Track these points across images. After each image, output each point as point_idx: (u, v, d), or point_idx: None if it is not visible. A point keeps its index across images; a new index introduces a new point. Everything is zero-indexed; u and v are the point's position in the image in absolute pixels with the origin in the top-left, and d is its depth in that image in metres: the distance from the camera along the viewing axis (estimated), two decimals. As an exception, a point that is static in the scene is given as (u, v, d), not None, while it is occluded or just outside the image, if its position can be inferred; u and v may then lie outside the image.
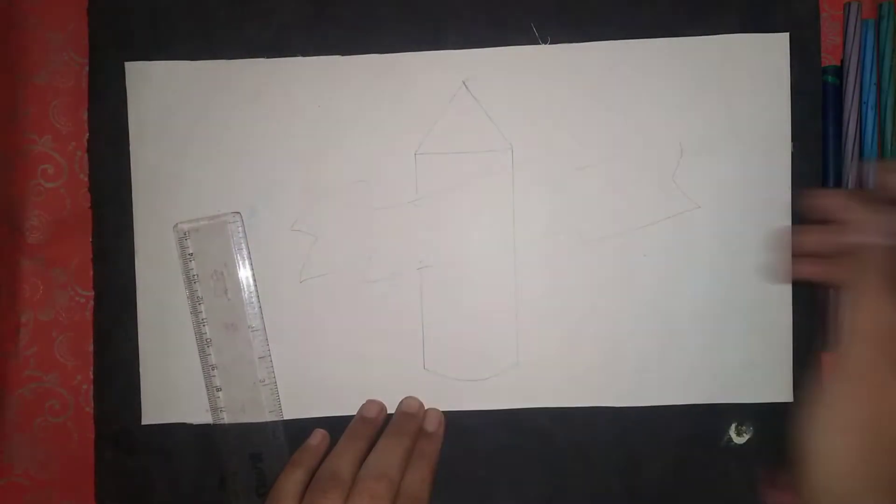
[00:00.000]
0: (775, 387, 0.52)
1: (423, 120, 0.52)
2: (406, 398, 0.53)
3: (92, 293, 0.53)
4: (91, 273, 0.53)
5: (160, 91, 0.53)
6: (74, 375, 0.54)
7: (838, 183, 0.52)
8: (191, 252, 0.52)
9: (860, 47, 0.51)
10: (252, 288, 0.52)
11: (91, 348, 0.53)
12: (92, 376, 0.53)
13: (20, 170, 0.54)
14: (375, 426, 0.51)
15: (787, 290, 0.52)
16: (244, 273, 0.52)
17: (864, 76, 0.51)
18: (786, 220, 0.52)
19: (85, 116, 0.53)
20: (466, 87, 0.52)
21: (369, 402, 0.53)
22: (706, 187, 0.52)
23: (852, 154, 0.51)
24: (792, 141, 0.51)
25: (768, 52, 0.51)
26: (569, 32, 0.52)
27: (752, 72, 0.51)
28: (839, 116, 0.52)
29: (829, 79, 0.52)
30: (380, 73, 0.52)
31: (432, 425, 0.52)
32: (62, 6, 0.54)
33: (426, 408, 0.53)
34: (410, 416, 0.52)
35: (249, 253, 0.52)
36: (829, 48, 0.52)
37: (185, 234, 0.52)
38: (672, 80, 0.52)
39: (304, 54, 0.52)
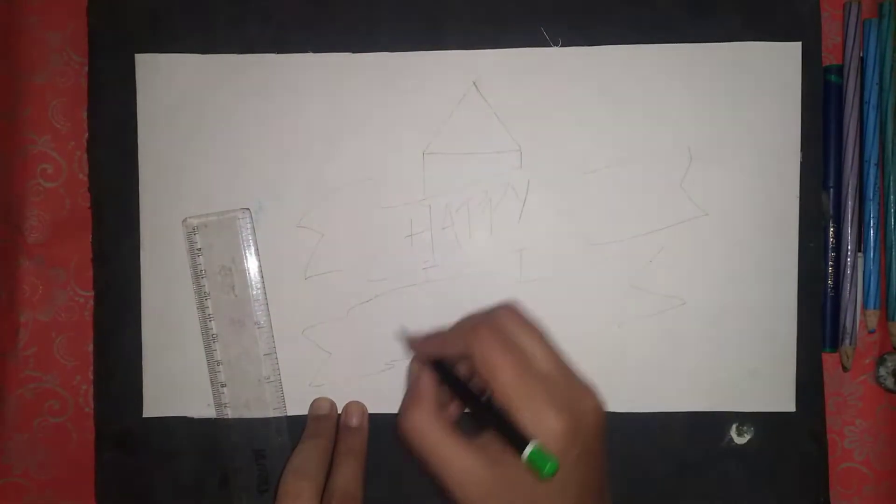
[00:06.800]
0: (778, 396, 0.52)
1: (432, 119, 0.52)
2: (315, 400, 0.52)
3: (91, 293, 0.53)
4: (90, 273, 0.53)
5: (169, 85, 0.52)
6: (74, 375, 0.53)
7: (838, 182, 0.52)
8: (199, 247, 0.52)
9: (861, 47, 0.52)
10: (259, 285, 0.52)
11: (90, 348, 0.53)
12: (92, 376, 0.53)
13: (20, 170, 0.53)
14: (331, 420, 0.51)
15: (792, 299, 0.52)
16: (252, 269, 0.52)
17: (865, 76, 0.51)
18: (793, 228, 0.52)
19: (84, 116, 0.53)
20: (476, 88, 0.52)
21: (317, 400, 0.52)
22: (714, 195, 0.52)
23: (853, 153, 0.52)
24: (801, 150, 0.52)
25: (779, 61, 0.52)
26: (579, 36, 0.52)
27: (762, 80, 0.52)
28: (840, 116, 0.52)
29: (833, 78, 0.52)
30: (389, 72, 0.52)
31: (355, 420, 0.51)
32: (62, 6, 0.53)
33: (349, 402, 0.52)
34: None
35: (257, 249, 0.52)
36: (828, 48, 0.53)
37: (194, 228, 0.52)
38: (682, 87, 0.52)
39: (315, 51, 0.52)
